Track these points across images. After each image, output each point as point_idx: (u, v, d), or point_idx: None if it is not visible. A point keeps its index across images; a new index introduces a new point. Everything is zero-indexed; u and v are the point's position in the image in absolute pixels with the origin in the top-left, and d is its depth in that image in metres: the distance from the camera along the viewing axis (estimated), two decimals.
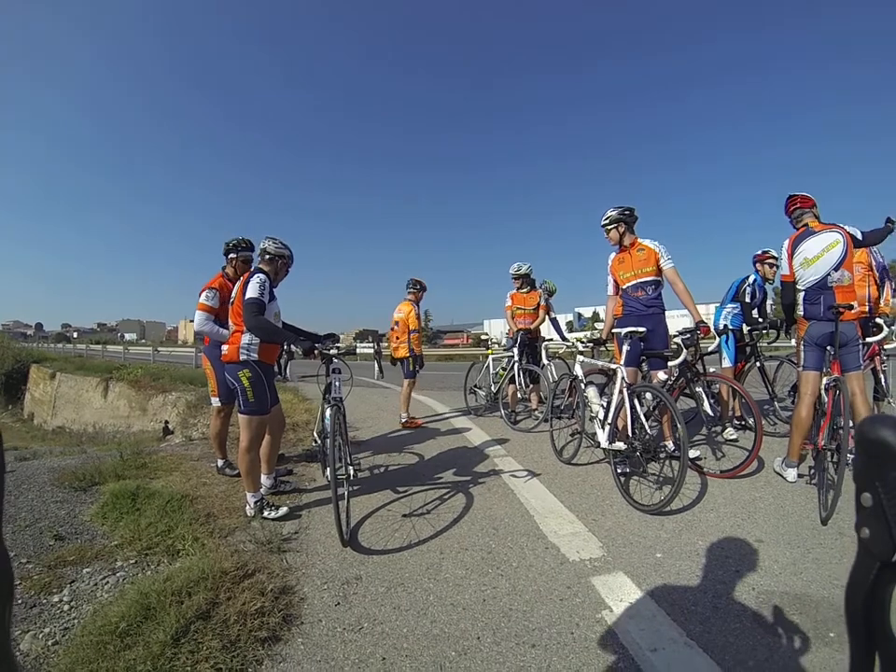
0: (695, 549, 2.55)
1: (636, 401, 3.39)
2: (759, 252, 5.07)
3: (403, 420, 6.21)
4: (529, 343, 6.25)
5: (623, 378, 3.51)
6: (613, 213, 4.07)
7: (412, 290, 6.43)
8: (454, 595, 2.21)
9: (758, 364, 4.93)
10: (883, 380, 4.52)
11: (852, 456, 3.04)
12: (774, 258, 4.90)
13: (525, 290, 6.42)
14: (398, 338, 6.22)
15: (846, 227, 3.55)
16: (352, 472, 2.97)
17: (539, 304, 6.46)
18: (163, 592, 2.09)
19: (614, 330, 3.92)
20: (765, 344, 5.47)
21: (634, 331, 3.61)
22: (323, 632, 1.97)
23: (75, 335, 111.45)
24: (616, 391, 3.54)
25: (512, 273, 6.40)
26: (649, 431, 3.31)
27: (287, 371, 3.33)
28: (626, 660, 1.72)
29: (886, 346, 4.60)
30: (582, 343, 4.33)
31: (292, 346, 3.06)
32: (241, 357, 3.08)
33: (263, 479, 3.45)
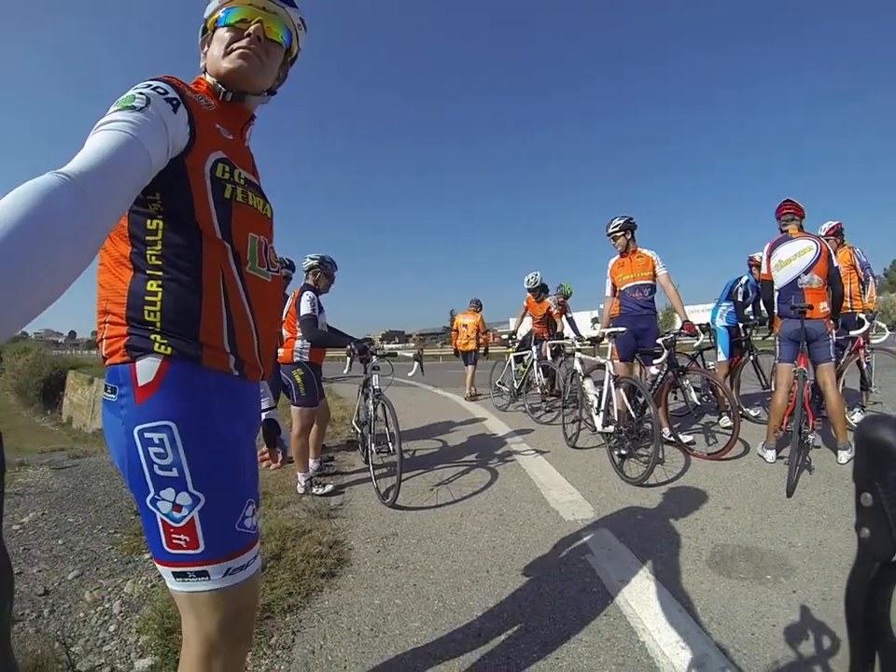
0: (672, 513, 3.06)
1: (621, 391, 3.92)
2: (752, 255, 5.54)
3: (467, 395, 8.63)
4: (538, 342, 7.07)
5: (609, 371, 4.04)
6: (620, 221, 4.59)
7: (474, 305, 8.79)
8: (470, 543, 2.80)
9: (752, 358, 5.39)
10: (867, 371, 4.93)
11: (812, 437, 3.53)
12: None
13: (539, 298, 7.26)
14: (468, 336, 8.56)
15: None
16: (391, 448, 3.61)
17: (547, 312, 7.22)
18: None
19: (606, 330, 4.44)
20: (761, 339, 5.90)
21: (614, 332, 4.14)
22: (368, 570, 2.56)
23: None
24: (605, 383, 4.08)
25: (529, 287, 7.21)
26: (633, 416, 3.84)
27: (352, 368, 4.01)
28: (598, 585, 2.27)
29: (872, 340, 5.01)
30: (580, 340, 4.89)
31: (354, 347, 3.67)
32: (294, 359, 3.74)
33: (311, 462, 4.05)
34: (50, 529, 3.20)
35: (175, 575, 0.99)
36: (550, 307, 7.45)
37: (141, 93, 0.94)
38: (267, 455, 1.47)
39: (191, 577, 0.99)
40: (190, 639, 1.05)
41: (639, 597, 2.14)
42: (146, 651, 1.96)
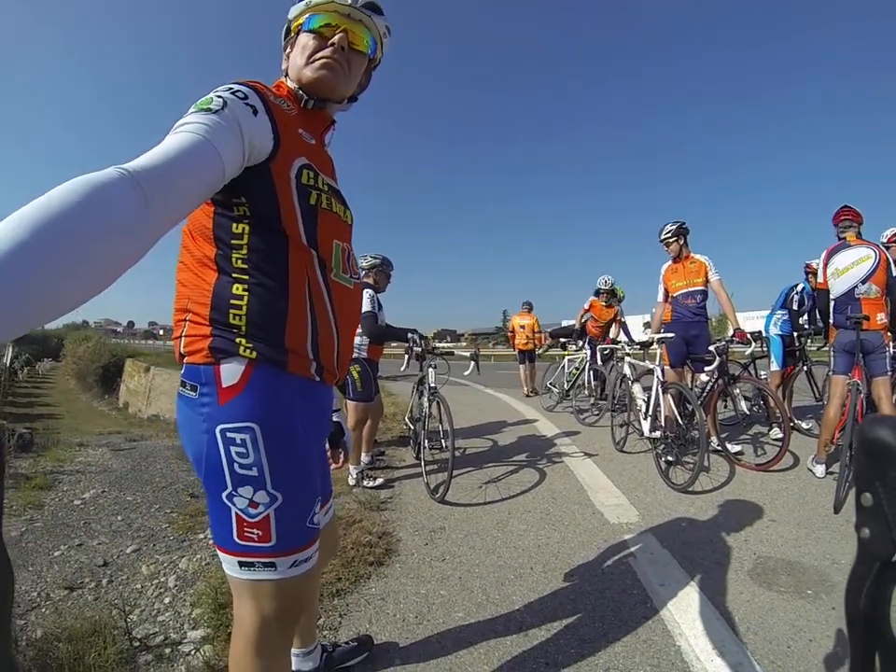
0: (716, 522, 3.09)
1: (669, 397, 3.93)
2: (809, 262, 5.39)
3: (527, 391, 9.24)
4: (593, 344, 7.09)
5: (657, 377, 4.06)
6: (673, 227, 4.58)
7: (527, 307, 9.61)
8: (516, 541, 2.91)
9: (805, 368, 5.25)
10: None
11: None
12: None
13: (608, 302, 7.27)
14: (527, 336, 9.28)
15: None
16: (444, 444, 3.74)
17: (613, 319, 7.22)
18: None
19: (656, 335, 4.44)
20: (815, 349, 5.74)
21: (663, 337, 4.15)
22: (415, 561, 2.71)
23: (161, 332, 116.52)
24: (654, 388, 4.10)
25: (603, 289, 7.22)
26: (681, 423, 3.85)
27: (409, 366, 4.15)
28: (638, 588, 2.34)
29: None
30: (628, 345, 4.91)
31: (416, 336, 3.80)
32: (353, 355, 3.89)
33: (363, 456, 4.22)
34: (110, 506, 3.47)
35: (242, 564, 1.04)
36: (617, 313, 7.45)
37: (219, 96, 0.96)
38: (330, 455, 1.55)
39: (258, 567, 1.04)
40: (244, 621, 1.09)
41: (678, 603, 2.20)
42: (198, 623, 2.11)
